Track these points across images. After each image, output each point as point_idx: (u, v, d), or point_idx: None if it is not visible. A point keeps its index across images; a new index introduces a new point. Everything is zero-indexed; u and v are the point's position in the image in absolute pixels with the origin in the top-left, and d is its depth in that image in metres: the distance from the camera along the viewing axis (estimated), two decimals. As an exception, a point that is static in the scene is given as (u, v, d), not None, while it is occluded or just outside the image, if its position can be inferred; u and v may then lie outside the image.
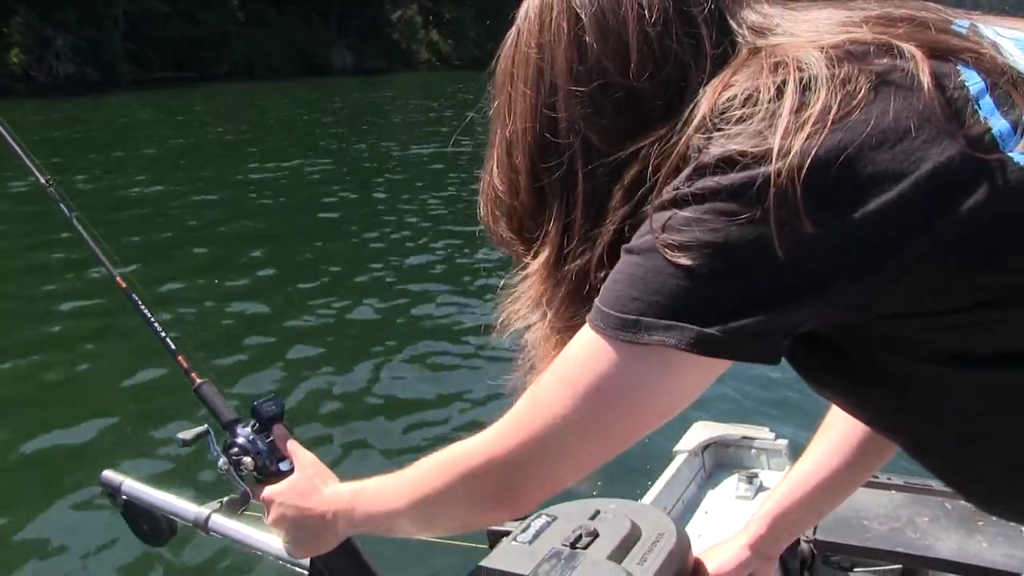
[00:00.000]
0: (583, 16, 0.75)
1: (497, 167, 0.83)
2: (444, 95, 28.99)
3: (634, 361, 0.68)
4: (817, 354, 0.73)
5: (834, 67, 0.64)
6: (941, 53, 0.66)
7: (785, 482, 1.12)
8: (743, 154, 0.63)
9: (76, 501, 3.39)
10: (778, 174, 0.61)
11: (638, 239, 0.69)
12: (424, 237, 8.71)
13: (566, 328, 0.79)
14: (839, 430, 1.07)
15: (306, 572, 1.13)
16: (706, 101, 0.68)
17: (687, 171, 0.67)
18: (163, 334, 1.24)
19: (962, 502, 1.56)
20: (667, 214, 0.66)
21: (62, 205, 1.33)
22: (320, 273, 7.31)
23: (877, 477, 1.72)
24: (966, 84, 0.65)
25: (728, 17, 0.73)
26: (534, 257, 0.81)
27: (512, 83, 0.80)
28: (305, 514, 1.00)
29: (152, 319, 1.24)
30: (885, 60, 0.65)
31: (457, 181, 11.70)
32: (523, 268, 0.84)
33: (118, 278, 1.28)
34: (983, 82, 0.65)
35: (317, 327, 5.86)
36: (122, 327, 5.28)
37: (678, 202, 0.66)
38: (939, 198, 0.61)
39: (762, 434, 2.28)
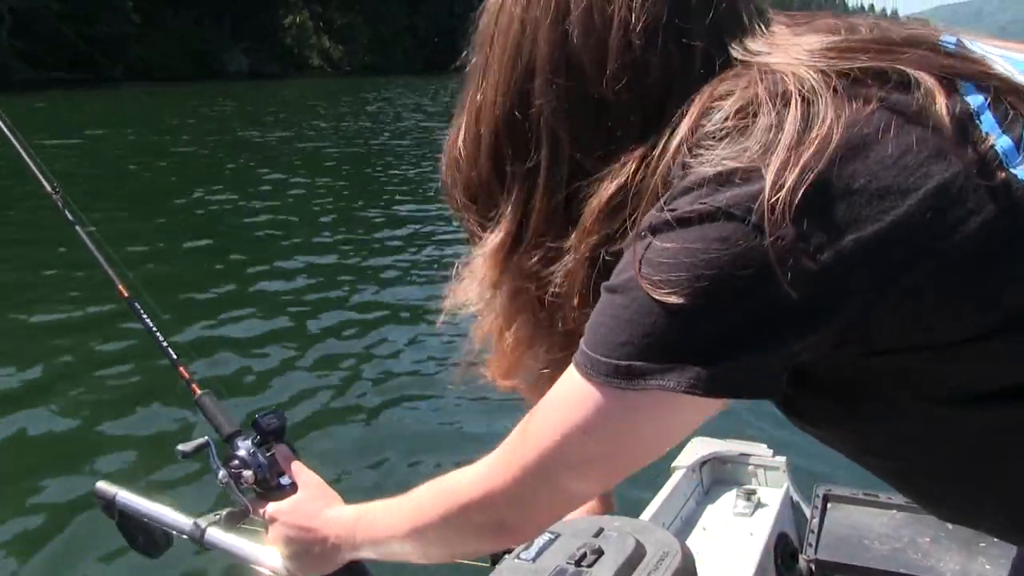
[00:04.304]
0: (572, 7, 0.69)
1: (464, 131, 0.77)
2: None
3: (627, 408, 0.65)
4: (805, 389, 0.69)
5: (834, 86, 0.61)
6: (941, 72, 0.63)
7: None
8: (735, 172, 0.59)
9: (72, 511, 3.35)
10: (776, 194, 0.56)
11: (618, 276, 0.64)
12: (427, 246, 8.71)
13: (508, 321, 0.78)
14: None
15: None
16: (690, 117, 0.64)
17: (670, 192, 0.62)
18: (164, 344, 1.23)
19: (963, 523, 1.55)
20: (647, 243, 0.61)
21: (67, 213, 1.32)
22: (329, 288, 7.28)
23: (877, 496, 1.71)
24: (966, 100, 0.63)
25: (725, 35, 0.68)
26: (488, 234, 0.76)
27: (491, 47, 0.74)
28: (307, 536, 0.99)
29: (154, 328, 1.24)
30: (887, 84, 0.62)
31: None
32: (475, 245, 0.79)
33: (121, 287, 1.28)
34: (982, 98, 0.63)
35: (321, 341, 5.82)
36: (126, 336, 5.27)
37: (660, 228, 0.60)
38: (945, 217, 0.58)
39: (760, 450, 2.27)
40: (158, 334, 1.24)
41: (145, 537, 1.23)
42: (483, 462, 0.80)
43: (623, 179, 0.66)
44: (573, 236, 0.70)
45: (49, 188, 1.35)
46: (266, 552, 1.12)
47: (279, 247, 8.71)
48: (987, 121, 0.62)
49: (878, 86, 0.62)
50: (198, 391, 1.22)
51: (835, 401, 0.70)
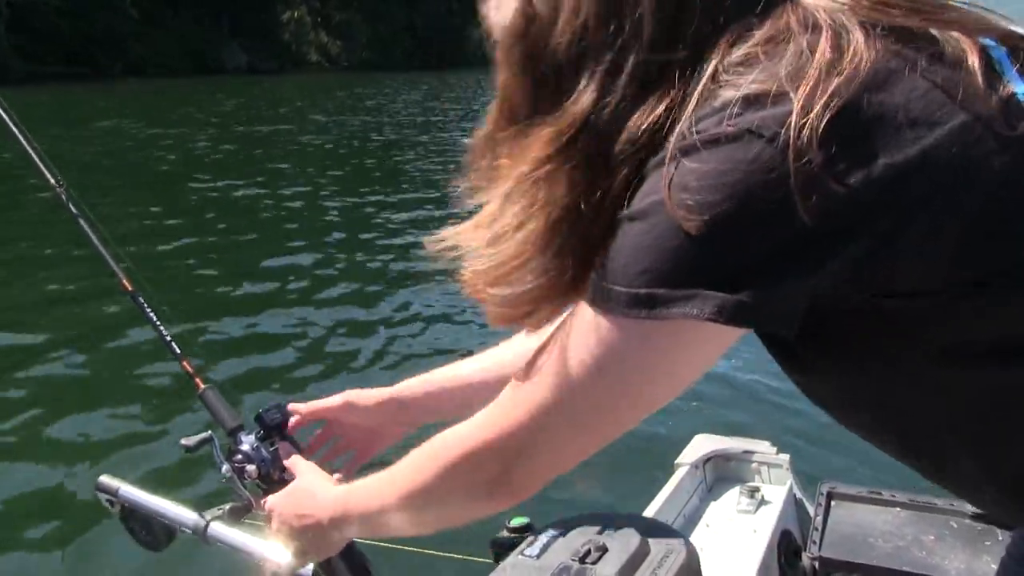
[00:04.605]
0: None
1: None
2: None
3: (646, 340, 0.63)
4: (809, 329, 0.66)
5: (863, 24, 0.61)
6: (967, 25, 0.64)
7: (450, 368, 1.13)
8: (763, 95, 0.58)
9: (76, 504, 3.37)
10: (804, 117, 0.56)
11: (640, 202, 0.62)
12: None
13: (525, 217, 0.69)
14: (516, 349, 1.06)
15: (308, 581, 1.12)
16: (722, 46, 0.63)
17: (695, 115, 0.60)
18: (168, 338, 1.23)
19: (968, 520, 1.55)
20: (673, 165, 0.59)
21: (71, 206, 1.32)
22: (334, 281, 7.28)
23: (881, 494, 1.71)
24: (988, 51, 0.64)
25: None
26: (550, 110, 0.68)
27: None
28: (304, 522, 0.98)
29: (158, 322, 1.23)
30: (916, 33, 0.63)
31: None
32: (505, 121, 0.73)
33: (124, 280, 1.28)
34: (1005, 50, 0.65)
35: (327, 335, 5.83)
36: (130, 329, 5.28)
37: (687, 151, 0.59)
38: (970, 153, 0.59)
39: (763, 448, 2.27)
40: (162, 328, 1.24)
41: (148, 531, 1.23)
42: (481, 412, 0.77)
43: (664, 104, 0.64)
44: (619, 145, 0.65)
45: (53, 182, 1.34)
46: (269, 546, 1.12)
47: (284, 241, 8.72)
48: (1008, 71, 0.63)
49: (908, 33, 0.62)
50: (201, 385, 1.22)
51: (836, 345, 0.68)
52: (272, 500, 1.04)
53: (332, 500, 0.96)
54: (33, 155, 1.32)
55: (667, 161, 0.60)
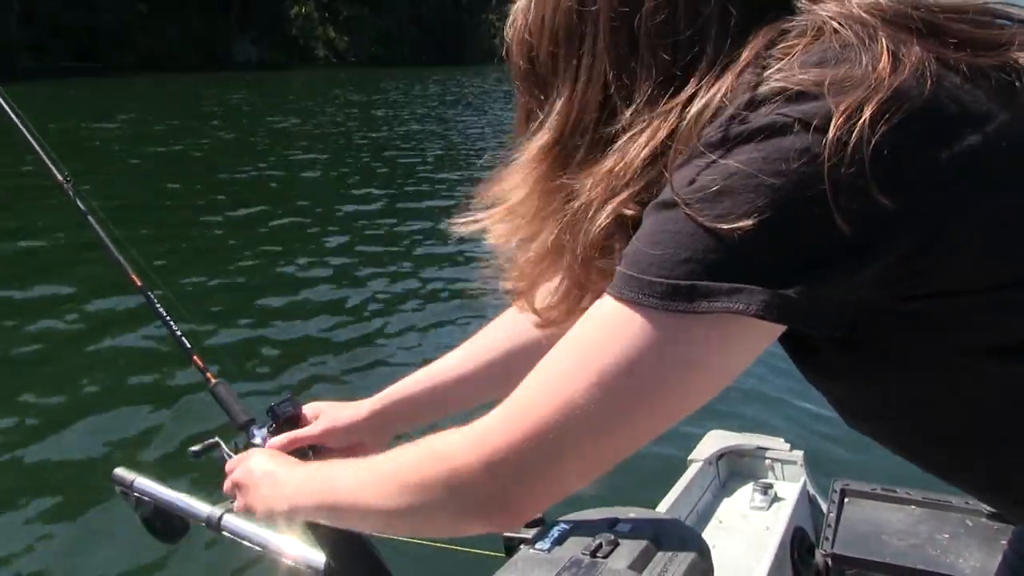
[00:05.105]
0: None
1: (532, 10, 0.71)
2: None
3: (684, 336, 0.58)
4: (846, 342, 0.64)
5: (891, 29, 0.60)
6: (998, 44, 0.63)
7: (422, 371, 1.09)
8: (812, 88, 0.56)
9: (90, 497, 3.39)
10: (853, 110, 0.54)
11: (680, 188, 0.58)
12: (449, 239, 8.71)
13: (535, 229, 0.71)
14: (487, 341, 1.03)
15: (320, 573, 1.12)
16: (754, 47, 0.61)
17: (739, 104, 0.58)
18: (179, 333, 1.23)
19: (983, 519, 1.53)
20: (715, 156, 0.57)
21: (79, 203, 1.32)
22: (347, 274, 7.30)
23: (895, 491, 1.70)
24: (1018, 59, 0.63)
25: None
26: (536, 131, 0.71)
27: None
28: (265, 503, 0.96)
29: (168, 318, 1.24)
30: (943, 39, 0.62)
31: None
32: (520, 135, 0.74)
33: (134, 276, 1.28)
34: None
35: (340, 327, 5.84)
36: (139, 324, 5.31)
37: (728, 141, 0.57)
38: (1009, 161, 0.59)
39: (777, 444, 2.26)
40: (172, 323, 1.24)
41: (163, 523, 1.24)
42: (482, 420, 0.69)
43: (672, 119, 0.63)
44: (610, 158, 0.65)
45: (60, 178, 1.34)
46: (283, 539, 1.12)
47: (296, 234, 8.74)
48: None
49: (936, 39, 0.61)
50: (212, 379, 1.22)
51: (873, 348, 0.65)
52: (235, 475, 1.01)
53: (296, 476, 0.91)
54: (39, 150, 1.32)
55: (705, 151, 0.58)
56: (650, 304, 0.58)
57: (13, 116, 1.34)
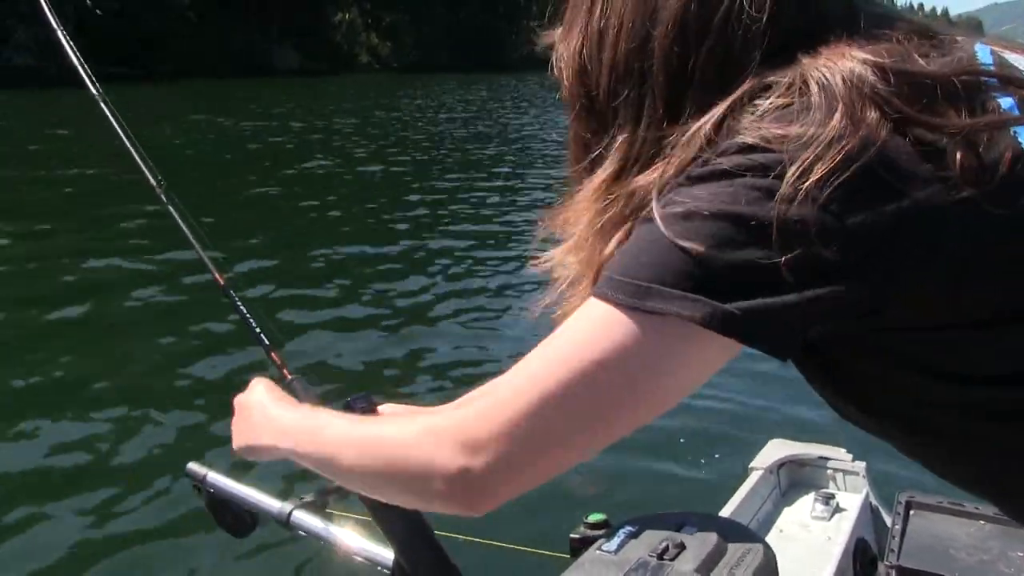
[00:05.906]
0: None
1: (586, 47, 0.77)
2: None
3: (643, 332, 0.64)
4: (826, 372, 0.72)
5: (876, 82, 0.65)
6: (974, 84, 0.67)
7: None
8: (778, 140, 0.63)
9: (162, 491, 3.49)
10: (807, 167, 0.61)
11: (659, 209, 0.66)
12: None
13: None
14: None
15: (388, 570, 1.14)
16: (742, 90, 0.68)
17: (719, 147, 0.66)
18: (257, 330, 1.27)
19: (1057, 536, 1.50)
20: (690, 186, 0.66)
21: (171, 208, 1.37)
22: (418, 272, 7.35)
23: (963, 505, 1.66)
24: (998, 104, 0.67)
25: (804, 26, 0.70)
26: (596, 167, 0.77)
27: None
28: (257, 440, 0.96)
29: (248, 316, 1.28)
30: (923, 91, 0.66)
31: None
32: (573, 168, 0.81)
33: (217, 275, 1.32)
34: (1013, 101, 0.68)
35: (413, 325, 5.89)
36: (212, 322, 5.45)
37: (704, 177, 0.65)
38: (970, 205, 0.62)
39: (839, 455, 2.24)
40: (251, 321, 1.28)
41: (233, 517, 1.27)
42: (457, 404, 0.74)
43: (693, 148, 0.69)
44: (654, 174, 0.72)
45: (154, 182, 1.40)
46: (352, 536, 1.15)
47: (368, 233, 8.83)
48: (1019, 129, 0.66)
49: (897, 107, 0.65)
50: (288, 375, 1.25)
51: (839, 368, 0.72)
52: (240, 395, 1.02)
53: (287, 415, 0.93)
54: (135, 155, 1.38)
55: (686, 183, 0.66)
56: (614, 299, 0.65)
57: (114, 123, 1.40)
